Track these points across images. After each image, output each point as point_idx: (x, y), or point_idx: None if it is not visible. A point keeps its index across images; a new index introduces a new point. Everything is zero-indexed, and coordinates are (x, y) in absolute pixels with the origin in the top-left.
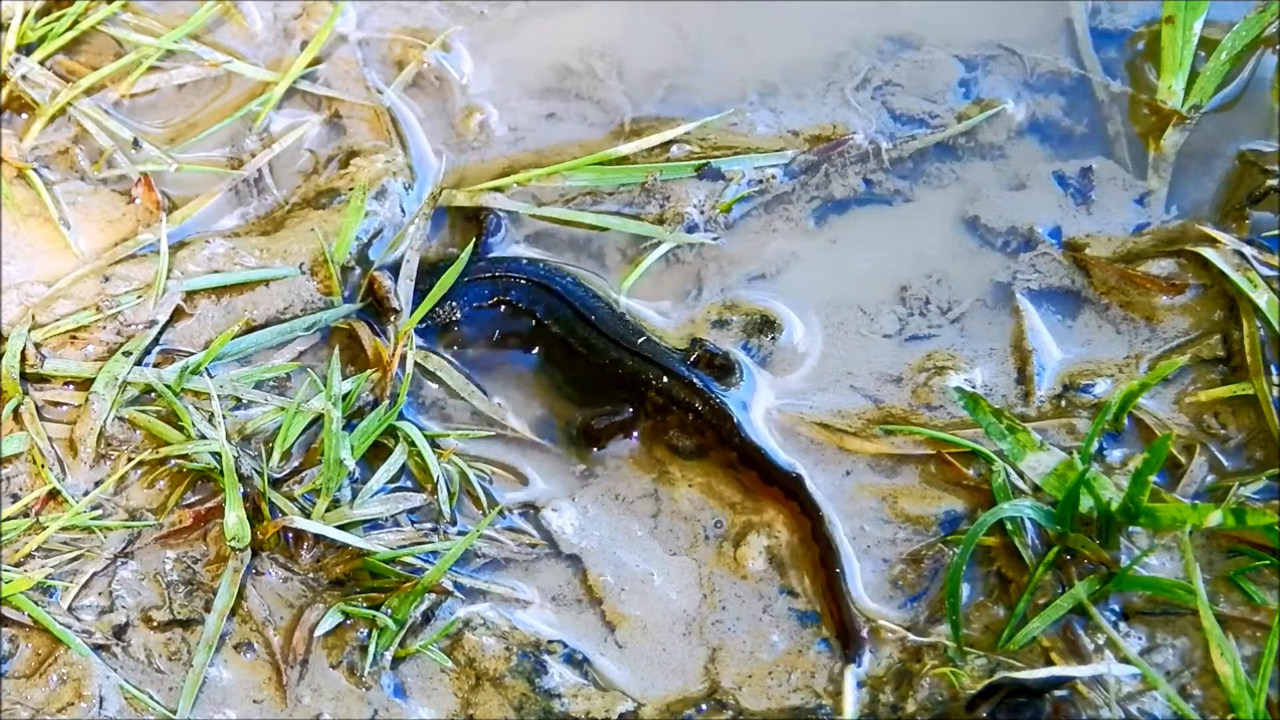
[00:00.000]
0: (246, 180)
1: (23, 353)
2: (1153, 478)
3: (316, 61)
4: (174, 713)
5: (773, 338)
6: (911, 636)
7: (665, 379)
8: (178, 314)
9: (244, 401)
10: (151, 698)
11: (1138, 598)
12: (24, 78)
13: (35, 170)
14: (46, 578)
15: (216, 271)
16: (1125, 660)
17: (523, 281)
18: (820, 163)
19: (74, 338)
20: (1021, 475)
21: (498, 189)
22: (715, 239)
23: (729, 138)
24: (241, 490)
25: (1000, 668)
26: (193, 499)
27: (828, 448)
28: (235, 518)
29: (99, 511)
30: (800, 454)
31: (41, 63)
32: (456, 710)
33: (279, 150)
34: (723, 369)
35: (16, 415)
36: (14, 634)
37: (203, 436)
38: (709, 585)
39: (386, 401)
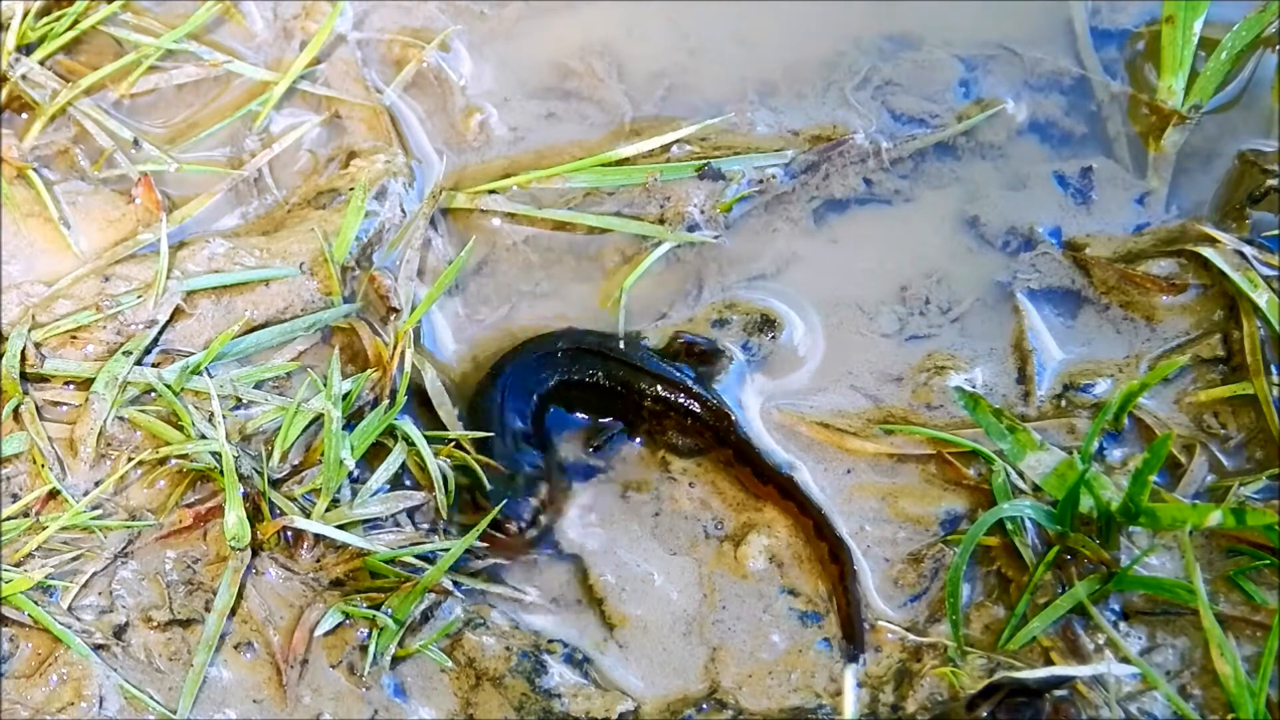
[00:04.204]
0: (246, 180)
1: (23, 353)
2: (1153, 478)
3: (316, 61)
4: (174, 712)
5: (773, 337)
6: (911, 636)
7: (659, 386)
8: (178, 314)
9: (244, 401)
10: (151, 697)
11: (1138, 598)
12: (24, 78)
13: (35, 170)
14: (46, 578)
15: (216, 271)
16: (1125, 660)
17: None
18: (820, 162)
19: (74, 338)
20: (1021, 475)
21: (497, 190)
22: (716, 238)
23: (729, 138)
24: (241, 490)
25: (1000, 667)
26: (193, 499)
27: (828, 447)
28: (235, 518)
29: (99, 511)
30: (801, 453)
31: (41, 63)
32: (456, 710)
33: (279, 150)
34: (706, 356)
35: (16, 415)
36: (14, 634)
37: (203, 436)
38: (709, 585)
39: (386, 401)
